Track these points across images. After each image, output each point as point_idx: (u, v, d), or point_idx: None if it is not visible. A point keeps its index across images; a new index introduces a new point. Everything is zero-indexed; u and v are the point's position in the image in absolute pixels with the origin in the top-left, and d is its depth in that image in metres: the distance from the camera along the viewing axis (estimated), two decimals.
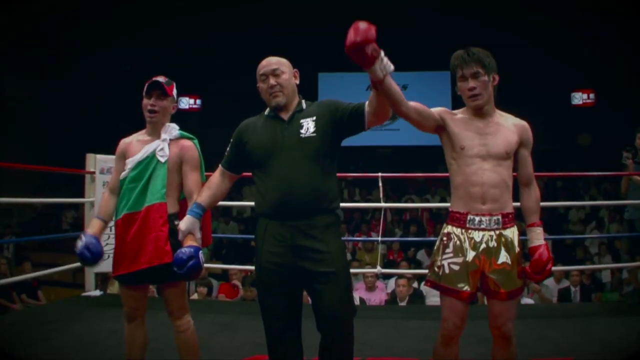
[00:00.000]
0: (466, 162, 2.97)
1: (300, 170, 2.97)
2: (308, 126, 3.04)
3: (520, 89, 14.98)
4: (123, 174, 3.39)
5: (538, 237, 3.01)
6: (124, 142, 3.51)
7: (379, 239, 6.61)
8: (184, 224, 3.08)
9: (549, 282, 8.14)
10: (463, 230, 2.97)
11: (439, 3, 13.54)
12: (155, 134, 3.44)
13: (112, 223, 3.43)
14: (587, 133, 16.04)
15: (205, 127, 14.91)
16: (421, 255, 10.35)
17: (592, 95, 16.49)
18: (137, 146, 3.43)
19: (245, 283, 7.52)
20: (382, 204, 6.41)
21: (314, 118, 3.06)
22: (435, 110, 3.06)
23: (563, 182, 14.49)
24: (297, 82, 3.22)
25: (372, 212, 12.54)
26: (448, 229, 3.02)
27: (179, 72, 13.88)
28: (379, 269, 6.10)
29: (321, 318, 2.95)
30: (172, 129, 3.45)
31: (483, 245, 2.93)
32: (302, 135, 3.01)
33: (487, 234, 2.94)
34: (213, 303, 6.95)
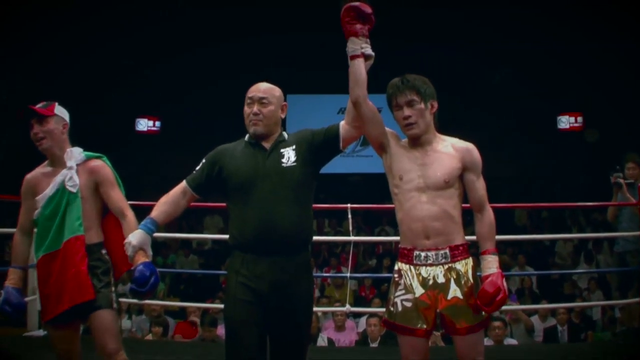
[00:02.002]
0: (405, 196, 3.04)
1: (282, 201, 3.04)
2: (289, 155, 3.14)
3: (502, 114, 15.23)
4: (36, 213, 3.39)
5: (489, 266, 3.02)
6: (29, 178, 3.50)
7: (348, 274, 6.63)
8: (135, 239, 3.07)
9: (534, 320, 8.19)
10: (411, 267, 3.02)
11: (417, 31, 13.62)
12: (59, 162, 3.44)
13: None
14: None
15: (164, 150, 14.98)
16: None
17: (579, 119, 16.43)
18: (44, 180, 3.43)
19: (205, 322, 7.47)
20: (351, 238, 6.42)
21: (294, 147, 3.17)
22: (388, 129, 3.16)
23: (548, 213, 14.55)
24: (284, 115, 3.33)
25: (343, 244, 12.49)
26: (398, 265, 3.09)
27: (137, 91, 13.71)
28: (348, 307, 6.11)
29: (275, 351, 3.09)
30: (76, 153, 3.45)
31: (431, 281, 2.98)
32: (284, 165, 3.12)
33: (435, 269, 2.99)
34: (169, 344, 6.89)
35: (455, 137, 3.21)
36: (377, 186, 16.09)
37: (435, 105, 3.12)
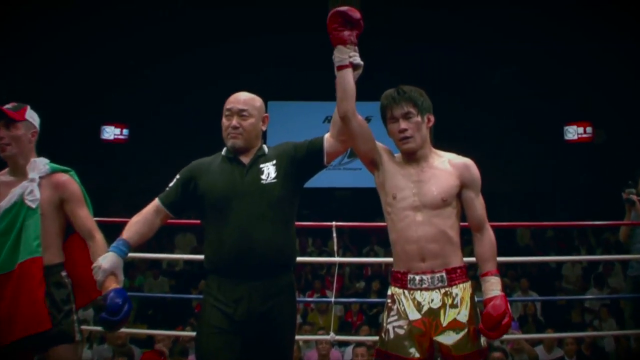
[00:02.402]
0: (399, 215, 3.08)
1: (262, 220, 3.06)
2: (269, 171, 3.17)
3: (503, 125, 15.29)
4: None
5: (492, 288, 3.06)
6: None
7: (333, 299, 6.61)
8: (106, 262, 3.02)
9: (539, 350, 8.15)
10: (405, 291, 3.06)
11: (411, 35, 13.89)
12: (20, 172, 3.39)
13: None
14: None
15: (132, 160, 14.94)
16: None
17: (588, 129, 16.37)
18: (2, 191, 3.37)
19: (175, 351, 7.41)
20: (336, 259, 6.39)
21: (274, 162, 3.20)
22: (380, 144, 3.22)
23: (554, 232, 14.53)
24: (265, 128, 3.37)
25: (327, 266, 12.45)
26: (392, 290, 3.12)
27: (104, 97, 13.80)
28: (332, 335, 6.07)
29: None
30: (40, 165, 3.40)
31: (426, 307, 3.01)
32: (263, 182, 3.14)
33: (430, 293, 3.03)
34: None
35: (453, 152, 3.27)
36: (366, 202, 16.14)
37: (432, 119, 3.18)
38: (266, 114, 3.35)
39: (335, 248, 6.26)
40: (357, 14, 3.01)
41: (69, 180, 3.44)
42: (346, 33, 3.01)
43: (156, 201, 3.27)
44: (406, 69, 13.72)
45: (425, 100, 3.16)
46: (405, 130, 3.10)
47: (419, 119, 3.11)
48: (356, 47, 3.05)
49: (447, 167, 3.14)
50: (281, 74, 14.39)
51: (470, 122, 14.90)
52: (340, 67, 3.04)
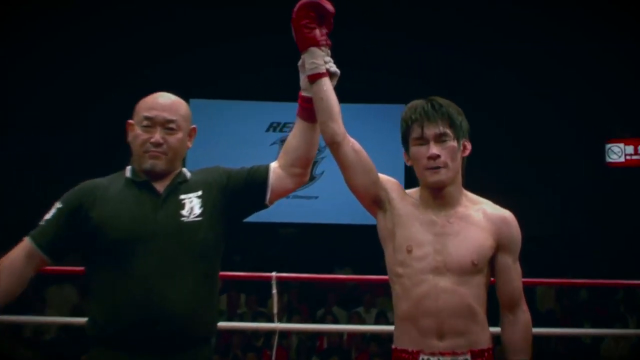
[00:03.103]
0: (414, 279, 3.07)
1: (177, 273, 3.01)
2: (192, 205, 3.13)
3: (522, 144, 15.53)
4: None
5: None
6: None
7: None
8: None
9: None
10: None
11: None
12: None
13: None
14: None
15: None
16: None
17: None
18: None
19: None
20: (278, 325, 6.37)
21: (199, 193, 3.16)
22: (385, 176, 3.19)
23: (588, 293, 14.43)
24: (190, 145, 3.35)
25: (265, 334, 12.12)
26: None
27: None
28: None
29: None
30: None
31: None
32: (184, 219, 3.09)
33: None
34: None
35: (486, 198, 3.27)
36: (321, 244, 16.28)
37: (469, 147, 3.19)
38: (193, 126, 3.34)
39: (276, 309, 6.22)
40: (331, 7, 3.03)
41: None
42: (318, 32, 3.03)
43: (27, 241, 3.16)
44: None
45: (464, 120, 3.17)
46: (437, 157, 3.06)
47: (455, 144, 3.11)
48: (329, 51, 3.07)
49: (480, 219, 3.15)
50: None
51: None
52: (316, 76, 3.03)
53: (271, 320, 7.25)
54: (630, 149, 16.25)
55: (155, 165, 3.14)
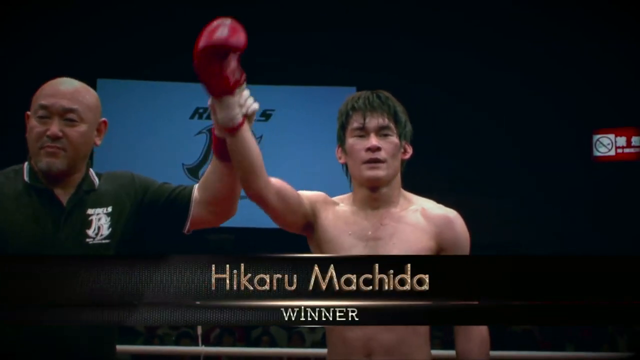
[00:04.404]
0: None
1: None
2: (99, 224, 2.75)
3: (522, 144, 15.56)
4: None
5: None
6: None
7: None
8: None
9: None
10: None
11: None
12: None
13: None
14: None
15: None
16: None
17: (636, 139, 14.88)
18: None
19: None
20: (202, 348, 6.15)
21: (109, 210, 2.81)
22: (307, 196, 3.01)
23: (569, 310, 13.61)
24: (100, 142, 2.94)
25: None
26: None
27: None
28: None
29: None
30: None
31: None
32: (89, 242, 2.72)
33: None
34: None
35: (435, 193, 3.26)
36: (259, 251, 15.78)
37: (410, 150, 3.03)
38: (104, 119, 2.95)
39: (200, 330, 6.07)
40: (241, 41, 2.63)
41: None
42: (230, 74, 2.57)
43: None
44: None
45: (407, 121, 3.00)
46: (377, 149, 2.88)
47: (396, 140, 2.95)
48: (245, 82, 2.64)
49: (418, 220, 2.95)
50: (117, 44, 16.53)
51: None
52: (233, 130, 2.67)
53: (196, 343, 6.84)
54: (622, 140, 14.79)
55: (51, 164, 2.70)
